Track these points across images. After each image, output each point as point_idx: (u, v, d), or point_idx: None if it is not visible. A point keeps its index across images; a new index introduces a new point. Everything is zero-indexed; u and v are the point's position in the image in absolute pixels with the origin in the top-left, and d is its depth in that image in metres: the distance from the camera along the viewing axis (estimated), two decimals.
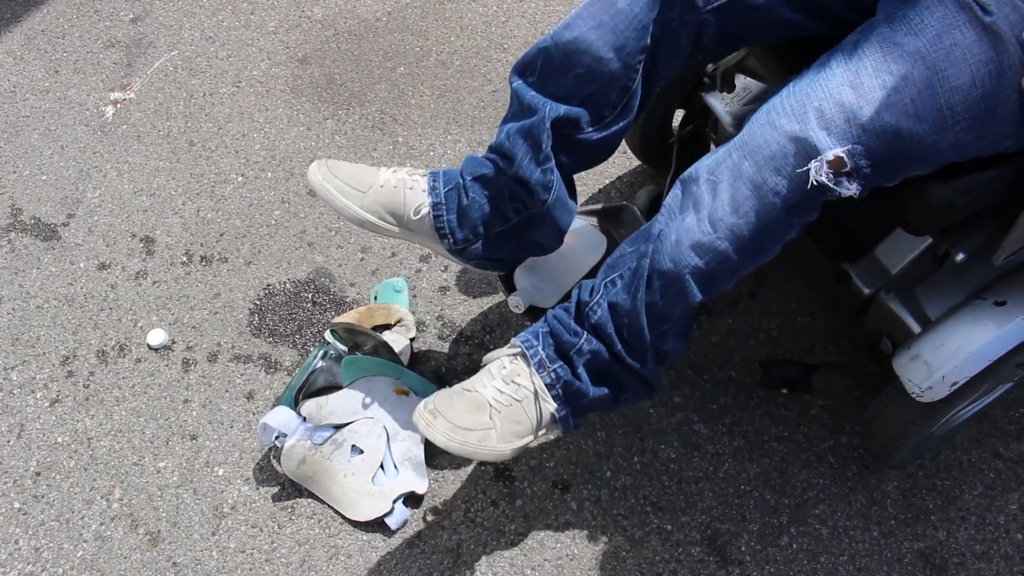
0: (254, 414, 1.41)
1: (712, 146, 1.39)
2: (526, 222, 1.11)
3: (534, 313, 1.25)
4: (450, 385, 1.37)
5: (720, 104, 1.31)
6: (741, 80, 1.29)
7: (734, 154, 0.93)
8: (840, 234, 1.19)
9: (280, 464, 1.31)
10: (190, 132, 1.76)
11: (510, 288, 1.24)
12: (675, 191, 0.99)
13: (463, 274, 1.55)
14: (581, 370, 1.04)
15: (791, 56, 1.09)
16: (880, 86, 0.86)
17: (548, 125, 1.03)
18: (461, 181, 1.12)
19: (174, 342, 1.49)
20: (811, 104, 0.88)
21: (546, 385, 1.04)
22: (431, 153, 1.69)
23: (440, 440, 1.01)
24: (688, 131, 1.39)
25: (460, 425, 1.02)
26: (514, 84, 1.07)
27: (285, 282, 1.55)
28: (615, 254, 1.06)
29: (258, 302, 1.53)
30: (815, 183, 0.87)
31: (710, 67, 1.29)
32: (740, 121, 1.32)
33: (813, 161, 0.87)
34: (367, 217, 1.12)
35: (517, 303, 1.22)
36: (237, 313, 1.52)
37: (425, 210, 1.11)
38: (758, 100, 1.33)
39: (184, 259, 1.59)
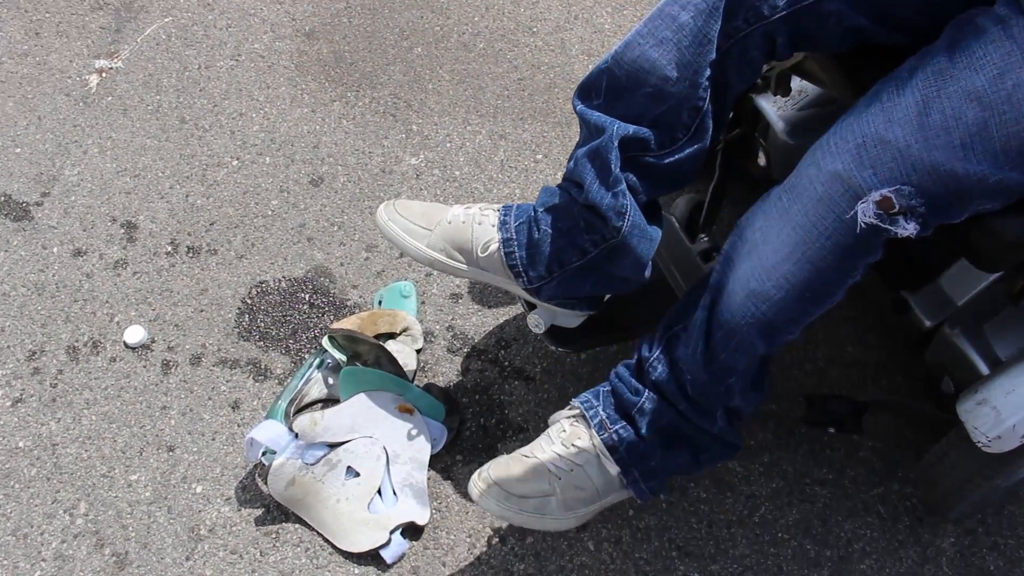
0: (240, 426, 1.39)
1: (761, 153, 1.38)
2: (605, 255, 1.10)
3: (556, 335, 1.24)
4: (459, 403, 1.39)
5: (772, 108, 1.31)
6: (797, 83, 1.28)
7: (784, 197, 0.95)
8: (901, 259, 1.17)
9: (266, 484, 1.30)
10: (182, 108, 1.75)
11: (531, 305, 1.23)
12: (732, 237, 1.01)
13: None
14: (645, 430, 1.06)
15: (853, 60, 1.07)
16: (930, 124, 0.86)
17: (616, 144, 1.04)
18: (533, 214, 1.12)
19: (154, 341, 1.48)
20: (856, 141, 0.88)
21: (607, 447, 1.08)
22: (448, 144, 1.69)
23: (494, 508, 1.05)
24: (735, 135, 1.38)
25: (516, 493, 1.06)
26: (578, 108, 1.08)
27: (280, 280, 1.54)
28: (676, 306, 1.09)
29: (249, 301, 1.52)
30: (863, 225, 0.88)
31: (764, 67, 1.28)
32: (793, 127, 1.31)
33: (859, 202, 0.87)
34: (434, 256, 1.14)
35: (537, 322, 1.21)
36: (225, 312, 1.51)
37: (494, 246, 1.13)
38: (814, 106, 1.32)
39: (169, 249, 1.58)
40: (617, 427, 1.07)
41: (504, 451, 1.31)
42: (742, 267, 0.98)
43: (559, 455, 1.08)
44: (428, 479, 1.31)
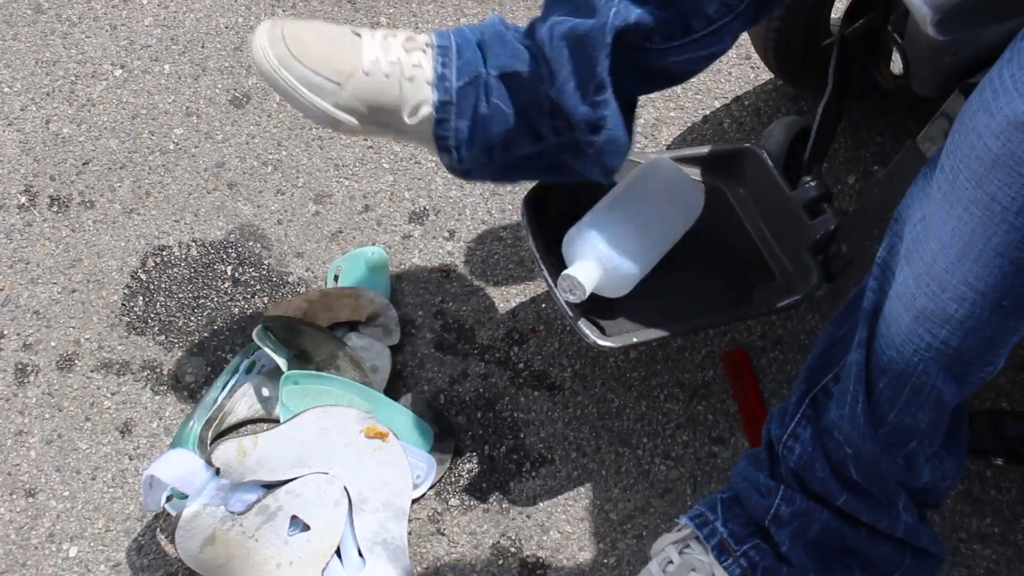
0: (132, 459, 1.40)
1: (895, 56, 1.36)
2: (564, 147, 1.18)
3: (598, 309, 1.24)
4: (453, 423, 1.38)
5: None
6: None
7: (946, 163, 0.94)
8: None
9: (173, 543, 1.30)
10: None
11: (557, 264, 1.25)
12: (889, 237, 1.02)
13: (479, 243, 1.53)
14: (789, 547, 1.08)
15: None
16: None
17: (610, 39, 1.07)
18: (484, 74, 1.18)
19: (2, 335, 1.49)
20: None
21: None
22: None
23: None
24: (857, 29, 1.38)
25: None
26: None
27: (189, 245, 1.55)
28: (818, 348, 1.09)
29: (144, 276, 1.53)
30: None
31: None
32: (946, 15, 1.29)
33: None
34: (343, 118, 1.20)
35: (573, 286, 1.22)
36: (108, 293, 1.51)
37: (426, 111, 1.19)
38: None
39: (23, 201, 1.59)
40: (746, 548, 1.09)
41: (519, 492, 1.33)
42: (904, 276, 0.97)
43: None
44: (409, 534, 1.31)
